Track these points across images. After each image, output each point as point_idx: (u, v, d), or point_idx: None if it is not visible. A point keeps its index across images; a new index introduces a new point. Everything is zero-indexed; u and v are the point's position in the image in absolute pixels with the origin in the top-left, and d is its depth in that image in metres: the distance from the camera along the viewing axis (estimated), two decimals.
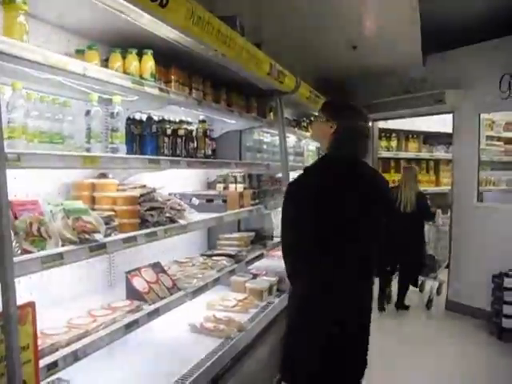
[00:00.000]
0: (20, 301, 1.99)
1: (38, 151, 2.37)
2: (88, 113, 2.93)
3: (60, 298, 3.19)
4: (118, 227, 2.98)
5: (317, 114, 3.32)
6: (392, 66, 8.05)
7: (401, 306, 7.99)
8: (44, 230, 2.34)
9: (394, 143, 10.17)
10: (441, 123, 9.37)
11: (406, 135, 10.32)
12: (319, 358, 2.93)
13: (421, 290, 8.78)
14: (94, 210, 3.07)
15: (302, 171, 3.08)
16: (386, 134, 10.06)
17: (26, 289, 2.74)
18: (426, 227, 8.40)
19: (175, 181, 4.50)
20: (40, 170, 2.87)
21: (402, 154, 10.24)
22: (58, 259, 2.31)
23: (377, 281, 7.69)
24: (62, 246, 2.45)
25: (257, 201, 5.02)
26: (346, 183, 3.00)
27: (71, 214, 2.56)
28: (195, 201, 4.30)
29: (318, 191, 2.92)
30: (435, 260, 8.65)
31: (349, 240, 2.95)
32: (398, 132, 10.18)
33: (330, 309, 2.94)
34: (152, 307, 3.07)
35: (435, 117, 8.98)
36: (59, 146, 2.70)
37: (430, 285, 8.42)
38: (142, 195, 3.20)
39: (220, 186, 4.94)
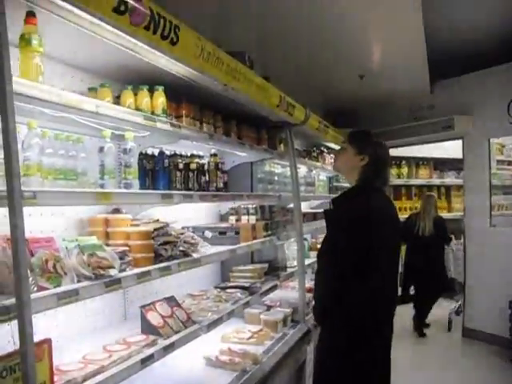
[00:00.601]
0: (35, 337, 2.00)
1: (54, 188, 2.41)
2: (101, 149, 2.97)
3: (75, 332, 3.20)
4: (133, 262, 3.00)
5: (343, 145, 3.45)
6: (399, 94, 8.13)
7: (422, 326, 8.00)
8: (59, 267, 2.36)
9: (404, 170, 10.18)
10: (451, 148, 9.37)
11: (417, 162, 10.33)
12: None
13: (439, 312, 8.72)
14: (108, 245, 3.11)
15: (338, 199, 3.29)
16: (397, 161, 10.07)
17: (41, 324, 2.75)
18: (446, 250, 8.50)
19: (188, 214, 4.53)
20: (55, 206, 2.92)
21: (413, 181, 10.25)
22: (73, 295, 2.32)
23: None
24: (78, 281, 2.46)
25: (269, 232, 5.01)
26: (385, 211, 3.20)
27: (86, 250, 2.58)
28: (208, 234, 4.32)
29: (369, 220, 3.01)
30: (454, 281, 8.67)
31: (392, 265, 3.16)
32: (408, 159, 10.18)
33: (378, 335, 3.10)
34: (167, 341, 3.06)
35: (446, 142, 8.98)
36: (73, 183, 2.73)
37: (450, 306, 8.39)
38: (155, 230, 3.22)
39: (232, 219, 4.95)
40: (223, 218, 5.21)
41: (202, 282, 4.80)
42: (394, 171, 9.99)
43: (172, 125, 3.23)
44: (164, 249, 3.21)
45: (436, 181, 10.52)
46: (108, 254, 2.71)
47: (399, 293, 7.99)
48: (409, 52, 6.14)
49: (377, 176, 3.26)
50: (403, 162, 10.16)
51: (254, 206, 4.94)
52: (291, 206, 5.56)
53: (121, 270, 2.83)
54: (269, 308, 5.21)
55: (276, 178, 5.69)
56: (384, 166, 3.33)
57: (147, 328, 3.24)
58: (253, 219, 4.85)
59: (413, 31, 5.50)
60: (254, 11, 4.94)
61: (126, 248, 3.00)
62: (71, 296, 2.31)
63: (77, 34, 2.45)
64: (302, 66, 6.36)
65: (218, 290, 4.53)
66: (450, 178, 10.55)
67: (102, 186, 2.92)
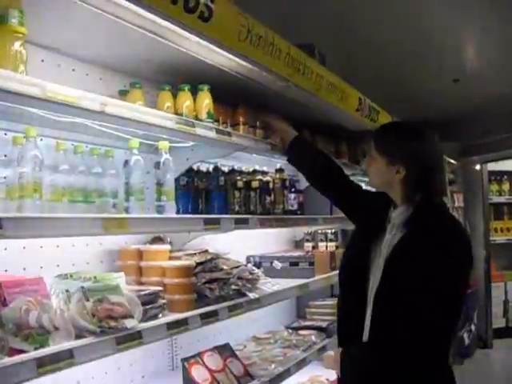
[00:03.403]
0: None
1: (27, 214, 1.81)
2: (126, 163, 2.37)
3: None
4: (168, 306, 2.37)
5: (371, 148, 2.40)
6: (502, 98, 7.09)
7: None
8: (47, 319, 1.74)
9: (506, 186, 9.23)
10: None
11: None
12: None
13: None
14: (141, 283, 2.53)
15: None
16: (497, 176, 9.16)
17: None
18: None
19: (254, 240, 3.89)
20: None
21: None
22: (64, 359, 1.71)
23: None
24: (79, 338, 1.85)
25: None
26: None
27: (93, 294, 1.97)
28: (277, 264, 3.70)
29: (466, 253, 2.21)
30: None
31: None
32: (510, 173, 9.26)
33: None
34: None
35: None
36: (85, 206, 2.17)
37: None
38: (199, 264, 2.59)
39: (308, 245, 4.34)
40: (298, 244, 4.56)
41: (273, 319, 4.13)
42: (493, 187, 9.11)
43: (219, 131, 2.58)
44: (209, 288, 2.56)
45: None
46: (126, 299, 2.08)
47: None
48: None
49: (425, 190, 2.25)
50: (505, 177, 9.23)
51: (334, 230, 4.27)
52: None
53: (150, 318, 2.21)
54: None
55: None
56: (434, 171, 2.28)
57: None
58: (332, 246, 4.22)
59: None
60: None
61: (159, 288, 2.37)
62: (60, 361, 1.69)
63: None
64: (387, 71, 5.61)
65: (290, 331, 3.86)
66: None
67: (126, 210, 2.31)
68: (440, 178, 2.34)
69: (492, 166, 8.75)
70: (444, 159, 2.46)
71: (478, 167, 8.43)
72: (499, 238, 8.83)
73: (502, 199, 9.15)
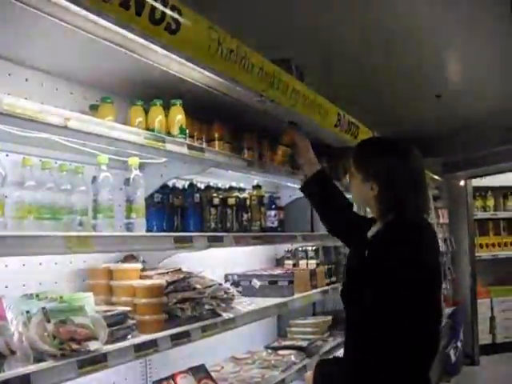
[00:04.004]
0: None
1: None
2: (94, 180, 2.30)
3: None
4: (138, 326, 2.29)
5: (350, 165, 2.40)
6: (484, 115, 7.09)
7: None
8: (2, 342, 1.66)
9: (490, 202, 9.22)
10: None
11: (504, 192, 9.35)
12: None
13: None
14: (111, 303, 2.45)
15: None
16: (482, 192, 9.16)
17: None
18: None
19: (234, 258, 3.83)
20: None
21: (501, 214, 9.27)
22: None
23: None
24: (39, 361, 1.77)
25: (333, 278, 4.28)
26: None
27: (55, 316, 1.88)
28: (255, 283, 3.61)
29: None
30: None
31: None
32: (494, 189, 9.24)
33: None
34: None
35: None
36: (53, 223, 2.10)
37: None
38: (170, 283, 2.50)
39: (289, 263, 4.24)
40: (279, 262, 4.49)
41: (253, 338, 4.02)
42: (478, 203, 9.11)
43: (191, 147, 2.51)
44: (180, 308, 2.48)
45: None
46: (90, 320, 2.00)
47: None
48: (495, 60, 5.26)
49: (399, 207, 2.17)
50: (489, 193, 9.22)
51: (315, 247, 4.18)
52: None
53: (117, 339, 2.14)
54: None
55: None
56: (409, 188, 2.19)
57: None
58: (313, 264, 4.12)
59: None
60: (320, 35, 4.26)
61: (128, 308, 2.29)
62: None
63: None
64: (366, 87, 5.58)
65: (269, 351, 3.76)
66: None
67: (94, 228, 2.25)
68: (418, 194, 2.26)
69: (477, 182, 8.74)
70: (426, 175, 2.39)
71: (462, 183, 8.41)
72: (484, 254, 8.81)
73: (486, 215, 9.13)
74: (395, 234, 2.15)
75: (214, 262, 3.45)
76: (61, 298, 2.15)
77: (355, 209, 3.01)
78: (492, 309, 8.59)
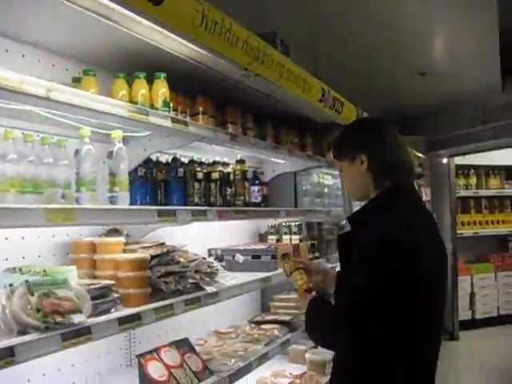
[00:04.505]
0: None
1: None
2: (77, 153, 2.28)
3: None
4: (122, 300, 2.29)
5: (334, 159, 2.38)
6: (466, 94, 7.13)
7: None
8: None
9: (473, 180, 9.32)
10: None
11: (487, 171, 9.45)
12: None
13: None
14: (95, 277, 2.45)
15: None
16: (464, 170, 9.24)
17: None
18: None
19: (217, 233, 3.82)
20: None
21: (483, 192, 9.38)
22: (4, 357, 1.62)
23: None
24: (23, 334, 1.76)
25: (316, 254, 4.32)
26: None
27: (38, 289, 1.88)
28: (239, 258, 3.61)
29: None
30: None
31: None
32: (477, 167, 9.33)
33: None
34: None
35: None
36: (35, 197, 2.08)
37: None
38: (154, 257, 2.50)
39: (272, 238, 4.26)
40: (263, 237, 4.48)
41: (237, 313, 4.05)
42: (461, 181, 9.18)
43: (175, 120, 2.50)
44: (164, 282, 2.48)
45: (509, 191, 9.56)
46: (74, 293, 1.99)
47: None
48: (478, 43, 5.27)
49: (390, 169, 2.17)
50: (471, 172, 9.30)
51: (298, 223, 4.20)
52: (344, 222, 4.78)
53: (101, 313, 2.14)
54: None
55: (326, 191, 4.94)
56: (392, 148, 2.20)
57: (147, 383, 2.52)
58: (296, 239, 4.13)
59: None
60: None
61: (111, 282, 2.28)
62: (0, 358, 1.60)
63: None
64: (352, 63, 5.56)
65: (252, 325, 3.77)
66: None
67: (77, 201, 2.23)
68: (404, 156, 2.24)
69: (459, 160, 8.79)
70: (410, 152, 2.35)
71: (445, 161, 8.46)
72: (466, 232, 8.90)
73: (469, 193, 9.21)
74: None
75: (198, 237, 3.45)
76: (44, 271, 2.15)
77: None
78: (472, 285, 8.70)
